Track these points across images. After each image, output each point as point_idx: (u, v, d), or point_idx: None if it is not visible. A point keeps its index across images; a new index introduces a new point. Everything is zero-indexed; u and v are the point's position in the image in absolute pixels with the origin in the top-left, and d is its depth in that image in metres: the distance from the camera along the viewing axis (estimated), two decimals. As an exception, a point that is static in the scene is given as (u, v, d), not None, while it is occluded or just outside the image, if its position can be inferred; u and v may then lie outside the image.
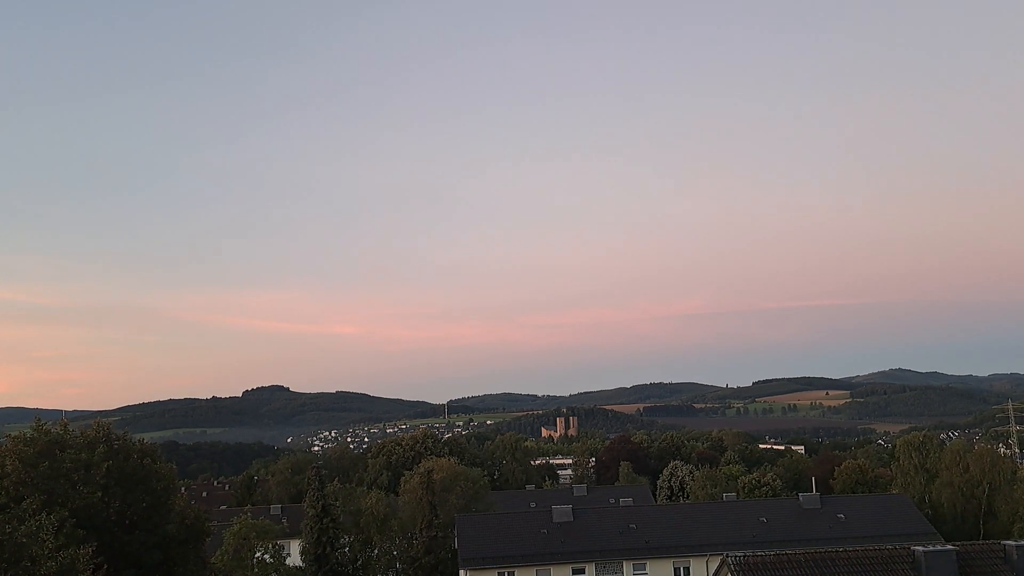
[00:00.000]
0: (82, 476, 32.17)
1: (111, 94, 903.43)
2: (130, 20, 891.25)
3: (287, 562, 55.38)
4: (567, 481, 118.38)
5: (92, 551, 23.52)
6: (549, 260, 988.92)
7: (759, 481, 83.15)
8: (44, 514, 24.16)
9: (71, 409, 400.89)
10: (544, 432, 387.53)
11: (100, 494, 32.13)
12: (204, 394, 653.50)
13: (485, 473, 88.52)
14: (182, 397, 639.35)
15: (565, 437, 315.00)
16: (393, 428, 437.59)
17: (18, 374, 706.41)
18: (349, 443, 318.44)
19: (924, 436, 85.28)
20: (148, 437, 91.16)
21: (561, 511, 56.34)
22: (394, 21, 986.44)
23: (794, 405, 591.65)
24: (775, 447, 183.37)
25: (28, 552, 20.67)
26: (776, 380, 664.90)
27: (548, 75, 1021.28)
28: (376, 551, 61.42)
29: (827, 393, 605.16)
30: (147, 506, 34.43)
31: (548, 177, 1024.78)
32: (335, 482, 66.02)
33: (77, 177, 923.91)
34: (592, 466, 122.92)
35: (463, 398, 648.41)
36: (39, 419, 34.86)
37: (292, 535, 62.92)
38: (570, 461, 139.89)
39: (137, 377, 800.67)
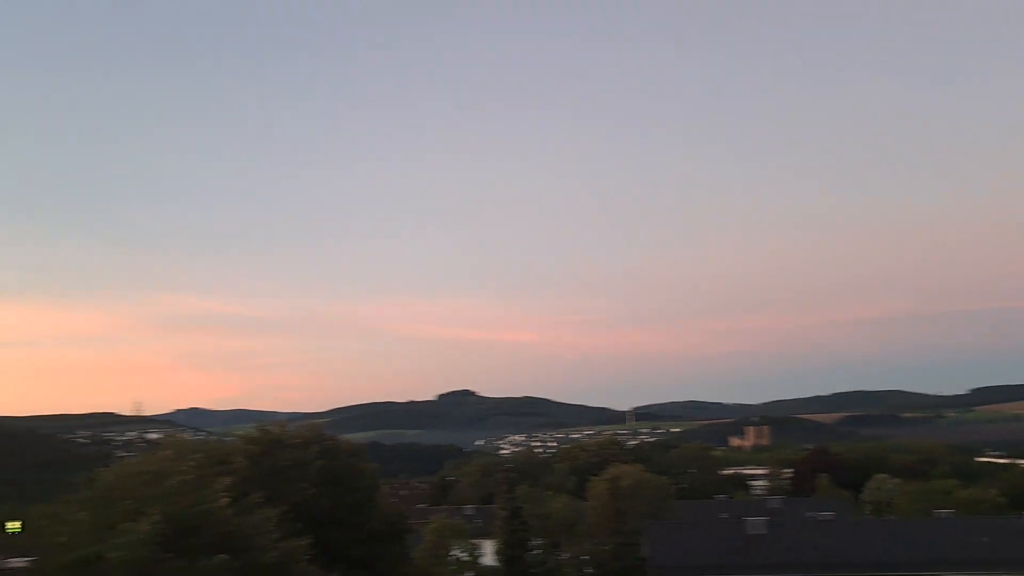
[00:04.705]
0: (298, 473, 34.88)
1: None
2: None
3: (481, 561, 57.14)
4: (760, 493, 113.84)
5: (308, 544, 25.53)
6: (726, 263, 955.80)
7: (978, 498, 76.00)
8: (267, 507, 26.46)
9: (286, 411, 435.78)
10: (733, 441, 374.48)
11: (313, 490, 34.67)
12: (402, 397, 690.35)
13: (672, 482, 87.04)
14: (382, 400, 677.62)
15: (756, 447, 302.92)
16: (578, 433, 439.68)
17: (242, 380, 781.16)
18: (535, 447, 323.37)
19: None
20: (353, 438, 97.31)
21: (755, 523, 54.33)
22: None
23: (1021, 415, 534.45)
24: (996, 460, 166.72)
25: (255, 542, 22.83)
26: (997, 387, 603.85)
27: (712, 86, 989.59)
28: (565, 555, 62.04)
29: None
30: (354, 503, 36.69)
31: (722, 176, 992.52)
32: (524, 485, 67.40)
33: (282, 206, 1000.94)
34: (787, 477, 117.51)
35: (647, 405, 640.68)
36: (261, 421, 38.30)
37: (485, 535, 64.86)
38: (762, 472, 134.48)
39: (343, 382, 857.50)
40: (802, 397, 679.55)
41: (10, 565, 53.77)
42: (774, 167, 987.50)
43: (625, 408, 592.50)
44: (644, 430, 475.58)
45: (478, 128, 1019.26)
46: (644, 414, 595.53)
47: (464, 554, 53.11)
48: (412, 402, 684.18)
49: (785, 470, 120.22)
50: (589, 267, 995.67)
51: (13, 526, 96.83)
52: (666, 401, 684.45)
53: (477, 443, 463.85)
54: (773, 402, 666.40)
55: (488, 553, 63.20)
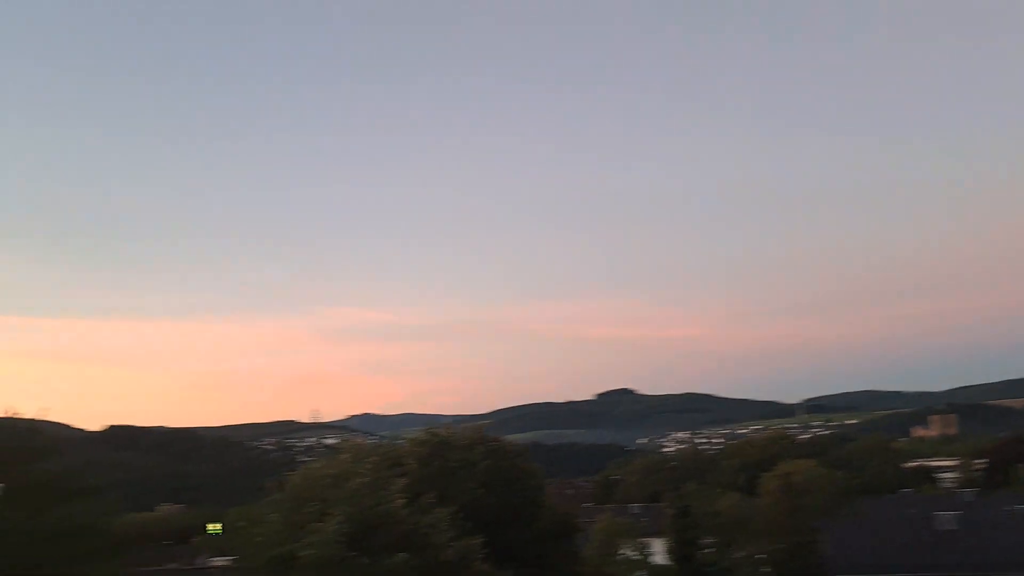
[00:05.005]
0: (466, 474, 35.97)
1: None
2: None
3: (651, 560, 56.67)
4: (949, 486, 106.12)
5: (481, 543, 26.33)
6: (896, 247, 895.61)
7: None
8: (439, 507, 27.48)
9: (450, 414, 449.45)
10: (916, 432, 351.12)
11: (481, 490, 35.63)
12: (560, 398, 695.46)
13: (850, 477, 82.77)
14: (542, 401, 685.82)
15: (942, 437, 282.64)
16: (744, 429, 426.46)
17: (408, 385, 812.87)
18: (699, 444, 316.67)
19: None
20: (514, 439, 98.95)
21: (946, 518, 50.89)
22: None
23: None
24: None
25: (432, 540, 23.82)
26: None
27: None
28: (739, 554, 60.41)
29: None
30: (521, 502, 37.41)
31: (883, 158, 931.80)
32: (690, 483, 66.27)
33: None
34: (979, 469, 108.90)
35: (817, 397, 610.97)
36: (427, 424, 39.88)
37: (653, 534, 64.22)
38: (951, 463, 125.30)
39: (501, 384, 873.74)
40: (991, 382, 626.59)
41: (214, 564, 58.73)
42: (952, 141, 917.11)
43: (794, 401, 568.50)
44: (816, 423, 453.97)
45: (624, 129, 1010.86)
46: (815, 406, 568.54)
47: (634, 553, 52.84)
48: (571, 402, 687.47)
49: (977, 461, 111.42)
50: (745, 258, 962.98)
51: (214, 528, 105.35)
52: (838, 392, 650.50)
53: (639, 441, 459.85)
54: (958, 388, 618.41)
55: (658, 552, 62.56)
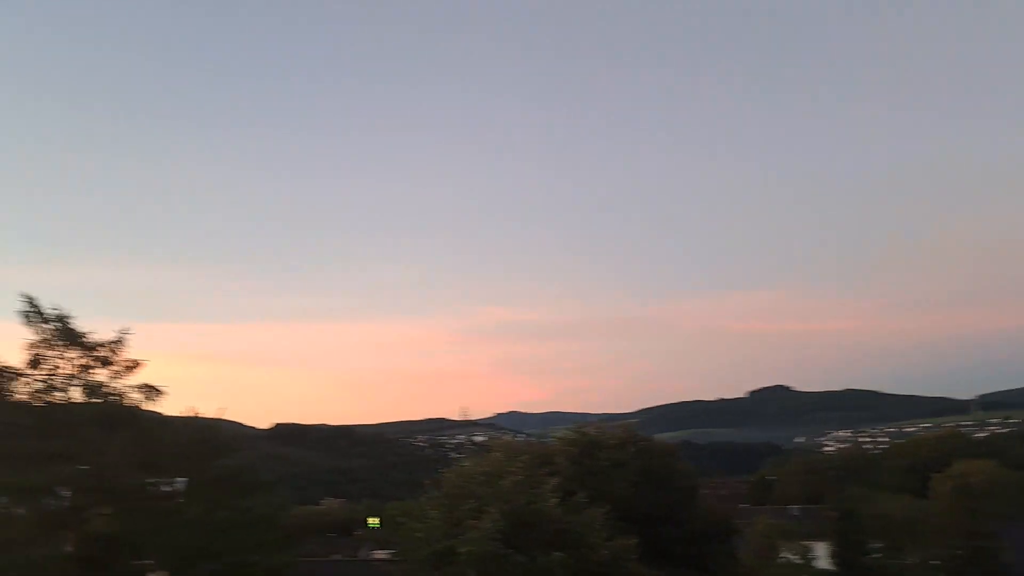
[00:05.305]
0: (617, 473, 35.72)
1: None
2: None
3: (814, 564, 54.31)
4: None
5: (635, 543, 26.04)
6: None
7: None
8: (592, 507, 27.40)
9: (596, 412, 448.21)
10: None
11: (633, 490, 35.25)
12: (710, 395, 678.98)
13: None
14: (691, 399, 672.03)
15: None
16: (912, 427, 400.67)
17: (553, 383, 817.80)
18: (862, 443, 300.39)
19: None
20: (663, 437, 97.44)
21: None
22: None
23: None
24: None
25: (586, 540, 23.80)
26: None
27: None
28: (910, 559, 56.82)
29: None
30: (674, 502, 36.76)
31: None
32: (853, 484, 63.00)
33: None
34: None
35: (993, 392, 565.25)
36: (573, 422, 39.89)
37: (814, 537, 61.47)
38: None
39: (648, 381, 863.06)
40: None
41: (376, 556, 61.26)
42: None
43: (968, 396, 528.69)
44: (993, 420, 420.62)
45: (769, 115, 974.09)
46: (992, 402, 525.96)
47: (795, 557, 50.69)
48: (722, 400, 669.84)
49: None
50: (906, 246, 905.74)
51: (373, 522, 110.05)
52: (1018, 387, 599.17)
53: (796, 440, 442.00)
54: None
55: (820, 556, 59.86)
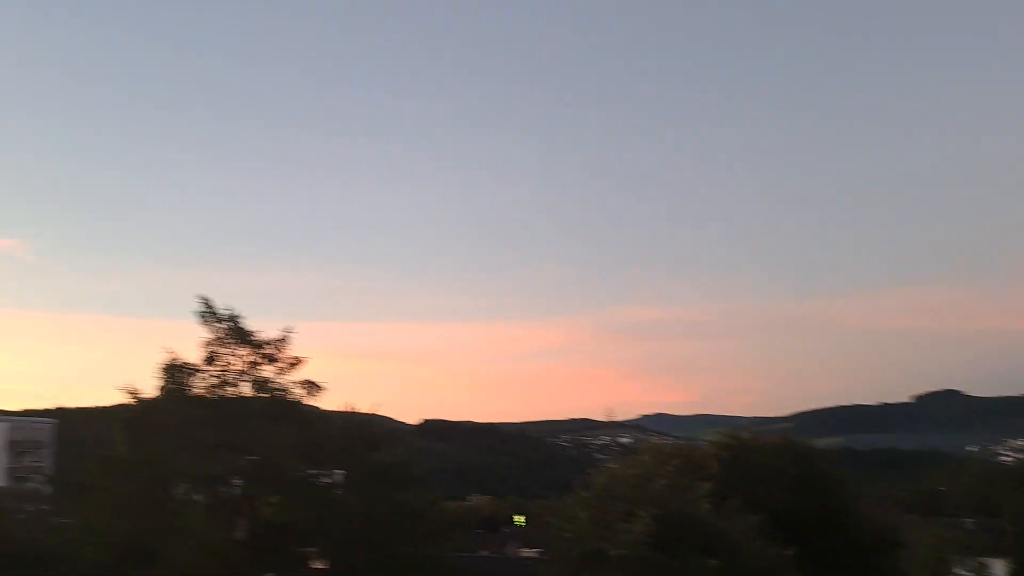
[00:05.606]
0: (773, 479, 34.28)
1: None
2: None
3: (992, 584, 50.25)
4: None
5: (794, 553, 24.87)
6: None
7: None
8: (747, 513, 26.41)
9: (747, 415, 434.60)
10: None
11: (790, 497, 33.70)
12: (871, 399, 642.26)
13: None
14: (849, 403, 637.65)
15: None
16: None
17: (700, 384, 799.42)
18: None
19: None
20: (820, 443, 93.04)
21: None
22: None
23: None
24: None
25: (741, 547, 22.94)
26: None
27: None
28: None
29: None
30: (833, 511, 34.89)
31: None
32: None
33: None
34: None
35: None
36: (722, 425, 38.63)
37: (991, 552, 56.85)
38: None
39: (803, 383, 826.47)
40: None
41: (523, 553, 61.82)
42: None
43: None
44: None
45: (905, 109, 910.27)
46: None
47: (969, 573, 47.05)
48: (885, 404, 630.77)
49: None
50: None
51: (519, 519, 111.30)
52: None
53: (968, 448, 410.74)
54: None
55: (999, 573, 55.31)
